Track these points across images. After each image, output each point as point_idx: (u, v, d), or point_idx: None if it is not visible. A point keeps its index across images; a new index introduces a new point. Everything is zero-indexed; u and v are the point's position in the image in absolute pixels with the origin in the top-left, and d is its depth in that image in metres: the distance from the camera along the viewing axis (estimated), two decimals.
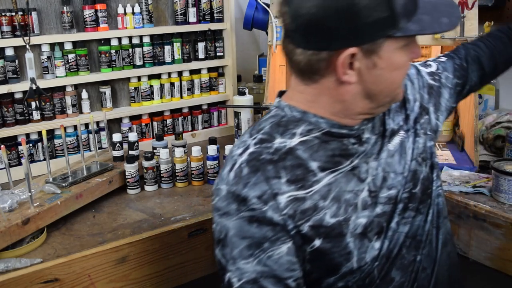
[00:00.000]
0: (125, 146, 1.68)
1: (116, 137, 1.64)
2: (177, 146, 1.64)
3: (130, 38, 1.88)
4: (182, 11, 1.97)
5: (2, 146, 1.31)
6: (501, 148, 1.68)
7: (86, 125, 1.84)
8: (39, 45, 1.71)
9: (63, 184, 1.43)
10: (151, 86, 1.97)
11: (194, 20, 2.00)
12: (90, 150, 1.83)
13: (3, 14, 1.62)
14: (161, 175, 1.60)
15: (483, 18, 1.64)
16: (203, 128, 2.14)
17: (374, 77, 0.84)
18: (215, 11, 2.04)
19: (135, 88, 1.93)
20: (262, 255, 0.83)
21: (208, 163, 1.61)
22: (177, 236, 1.33)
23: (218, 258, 0.87)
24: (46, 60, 1.73)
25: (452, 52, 1.19)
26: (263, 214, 0.83)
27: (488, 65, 1.17)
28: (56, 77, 1.76)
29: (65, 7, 1.72)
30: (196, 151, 1.61)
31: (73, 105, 1.81)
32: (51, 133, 1.78)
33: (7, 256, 1.19)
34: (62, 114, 1.79)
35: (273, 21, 1.90)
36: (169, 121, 2.04)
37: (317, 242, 0.86)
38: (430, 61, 1.14)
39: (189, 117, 2.10)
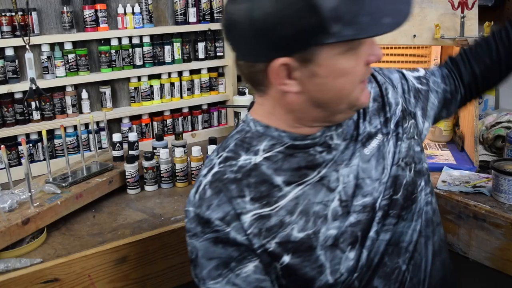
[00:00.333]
0: (125, 146, 1.68)
1: (116, 137, 1.64)
2: (177, 146, 1.65)
3: (130, 38, 1.88)
4: (182, 11, 1.97)
5: (2, 146, 1.31)
6: (501, 148, 1.68)
7: (86, 125, 1.84)
8: (39, 45, 1.71)
9: (63, 184, 1.43)
10: (151, 86, 1.97)
11: (194, 20, 2.00)
12: (90, 150, 1.83)
13: (3, 14, 1.62)
14: (161, 175, 1.60)
15: (483, 18, 1.64)
16: (203, 128, 2.14)
17: (317, 86, 0.80)
18: (215, 11, 2.04)
19: (135, 88, 1.93)
20: (230, 274, 0.85)
21: None
22: (177, 236, 1.32)
23: (193, 277, 0.89)
24: (46, 60, 1.73)
25: (441, 62, 1.16)
26: (226, 235, 0.84)
27: (480, 74, 1.10)
28: (56, 77, 1.76)
29: (65, 7, 1.73)
30: (196, 151, 1.61)
31: (73, 105, 1.81)
32: (51, 133, 1.78)
33: (7, 256, 1.19)
34: (62, 114, 1.79)
35: None
36: (169, 121, 2.04)
37: (286, 258, 0.85)
38: (419, 68, 1.12)
39: (189, 117, 2.10)
